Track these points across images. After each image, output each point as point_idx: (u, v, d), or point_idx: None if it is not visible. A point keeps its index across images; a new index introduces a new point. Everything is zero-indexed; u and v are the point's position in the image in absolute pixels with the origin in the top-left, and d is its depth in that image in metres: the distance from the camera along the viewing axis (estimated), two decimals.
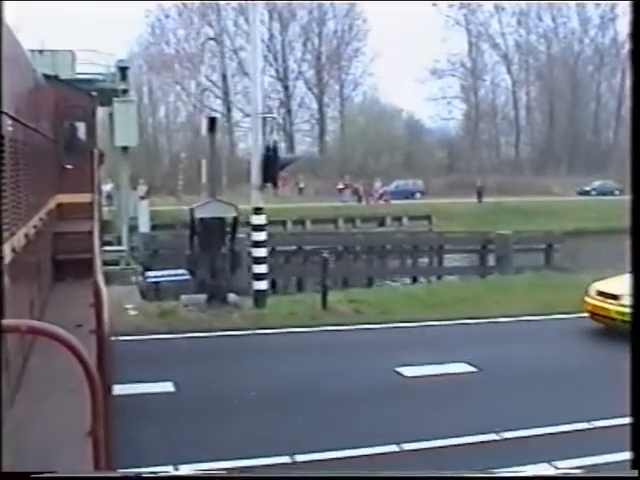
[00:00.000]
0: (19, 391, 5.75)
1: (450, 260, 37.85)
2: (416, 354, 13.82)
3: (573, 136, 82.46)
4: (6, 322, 3.23)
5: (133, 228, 35.33)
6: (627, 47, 78.82)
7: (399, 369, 12.73)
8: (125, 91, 32.18)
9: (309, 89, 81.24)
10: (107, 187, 51.33)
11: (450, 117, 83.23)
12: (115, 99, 31.56)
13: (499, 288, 20.77)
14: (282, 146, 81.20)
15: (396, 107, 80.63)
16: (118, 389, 9.92)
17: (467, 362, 13.14)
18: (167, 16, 75.21)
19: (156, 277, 20.08)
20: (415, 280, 34.41)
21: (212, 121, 17.84)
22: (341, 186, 54.54)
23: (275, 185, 17.38)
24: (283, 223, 42.26)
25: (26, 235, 7.36)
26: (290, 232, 42.10)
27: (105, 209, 44.08)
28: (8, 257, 5.84)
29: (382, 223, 44.24)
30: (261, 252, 17.65)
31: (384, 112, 79.86)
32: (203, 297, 17.71)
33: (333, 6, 79.82)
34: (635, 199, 3.95)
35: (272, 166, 17.02)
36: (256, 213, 17.61)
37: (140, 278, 31.84)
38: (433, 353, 13.90)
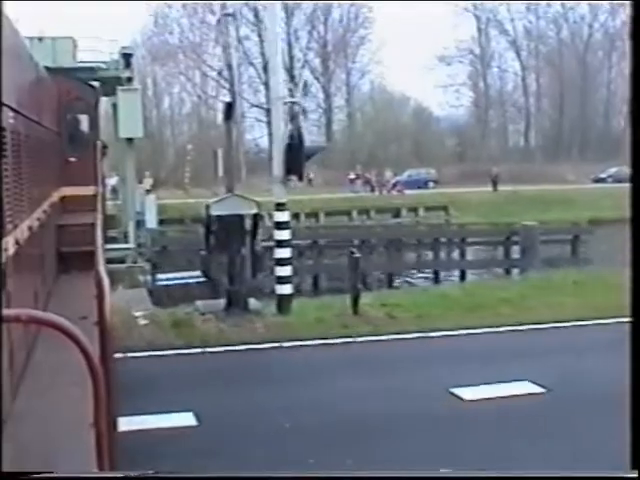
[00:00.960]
0: (23, 383, 5.74)
1: (470, 253, 35.93)
2: (468, 370, 11.93)
3: (584, 122, 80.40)
4: (7, 312, 3.20)
5: (140, 223, 33.35)
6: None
7: (455, 390, 10.84)
8: (129, 79, 30.16)
9: (315, 78, 79.13)
10: (112, 180, 49.42)
11: (459, 104, 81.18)
12: (119, 88, 29.56)
13: (542, 287, 18.81)
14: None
15: (404, 95, 78.63)
16: (128, 423, 8.02)
17: (531, 381, 11.24)
18: (170, 6, 73.02)
19: (168, 280, 18.16)
20: (437, 274, 32.52)
21: (229, 107, 15.88)
22: (352, 176, 52.51)
23: (300, 178, 15.45)
24: (296, 216, 40.22)
25: (30, 227, 7.40)
26: (304, 226, 40.16)
27: (110, 203, 42.17)
28: (11, 249, 5.89)
29: (397, 214, 42.25)
30: (285, 252, 15.71)
31: (392, 100, 77.79)
32: (221, 303, 15.79)
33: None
34: (635, 191, 3.71)
35: (297, 156, 15.06)
36: (279, 209, 15.67)
37: (149, 277, 30.03)
38: (487, 368, 12.01)
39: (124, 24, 66.40)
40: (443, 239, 33.28)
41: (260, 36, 75.96)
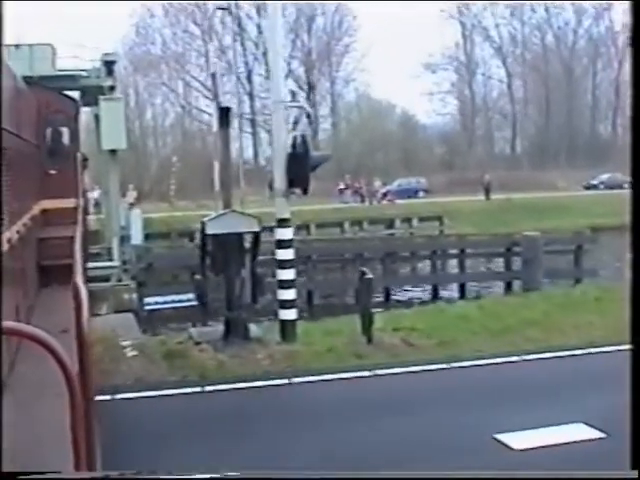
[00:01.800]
0: (4, 396, 5.78)
1: (467, 265, 34.13)
2: (510, 409, 10.27)
3: (570, 129, 79.18)
4: None
5: (124, 238, 31.41)
6: (622, 37, 75.76)
7: (500, 437, 9.16)
8: (112, 88, 28.28)
9: (299, 87, 77.45)
10: (95, 194, 47.47)
11: (446, 112, 79.73)
12: (101, 97, 27.68)
13: (564, 305, 17.19)
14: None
15: (390, 103, 77.01)
16: None
17: (585, 423, 9.58)
18: (152, 15, 71.20)
19: (157, 303, 16.34)
20: (436, 288, 30.83)
21: (225, 112, 14.10)
22: (342, 186, 50.77)
23: (305, 191, 13.69)
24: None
25: (9, 240, 7.45)
26: (296, 239, 38.41)
27: (93, 217, 40.36)
28: None
29: (391, 225, 40.50)
30: (288, 274, 13.97)
31: (378, 108, 76.24)
32: (218, 331, 14.03)
33: (322, 3, 76.15)
34: (635, 196, 3.67)
35: (301, 166, 13.35)
36: (281, 225, 13.93)
37: (134, 296, 28.17)
38: (531, 407, 10.34)
39: (104, 34, 64.59)
40: (441, 251, 31.52)
41: (243, 45, 74.38)
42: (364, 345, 13.78)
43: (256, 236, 13.59)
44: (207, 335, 13.94)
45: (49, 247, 12.31)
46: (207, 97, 73.60)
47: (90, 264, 25.34)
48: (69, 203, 14.67)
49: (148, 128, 71.22)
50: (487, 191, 51.29)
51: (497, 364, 12.68)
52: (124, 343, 14.62)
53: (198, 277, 13.83)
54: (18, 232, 8.50)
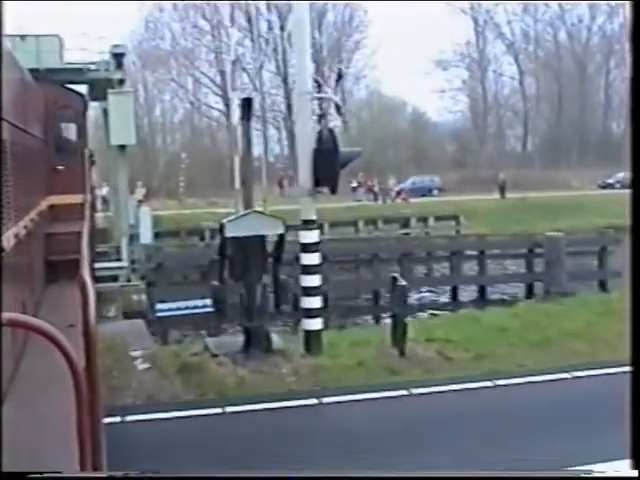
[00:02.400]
0: (11, 390, 5.79)
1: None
2: (583, 436, 8.99)
3: (583, 127, 77.73)
4: None
5: (133, 237, 30.21)
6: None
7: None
8: (121, 81, 27.02)
9: None
10: (103, 191, 46.28)
11: (457, 110, 78.21)
12: (110, 91, 26.42)
13: (604, 313, 15.91)
14: (285, 145, 76.54)
15: (401, 100, 75.56)
16: None
17: None
18: (161, 10, 69.83)
19: (170, 310, 15.08)
20: (455, 291, 29.58)
21: (248, 103, 12.85)
22: (355, 184, 49.40)
23: (334, 190, 12.45)
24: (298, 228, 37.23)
25: (16, 235, 7.44)
26: None
27: (101, 215, 39.19)
28: None
29: (406, 224, 39.16)
30: (314, 280, 12.75)
31: (388, 106, 74.88)
32: (237, 342, 12.80)
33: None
34: (635, 196, 3.59)
35: (329, 163, 12.11)
36: (307, 227, 12.71)
37: (143, 297, 27.00)
38: (604, 433, 9.04)
39: (113, 29, 63.34)
40: (459, 252, 30.16)
41: (253, 41, 73.13)
42: (396, 358, 12.57)
43: (280, 239, 12.35)
44: (225, 346, 12.72)
45: (56, 242, 12.28)
46: (216, 93, 72.53)
47: (98, 264, 24.20)
48: (77, 199, 14.66)
49: (157, 124, 69.99)
50: (502, 190, 49.93)
51: (547, 382, 11.45)
52: (134, 353, 13.43)
53: (215, 283, 12.57)
54: (25, 227, 8.53)
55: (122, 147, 27.61)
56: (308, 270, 12.66)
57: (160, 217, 37.59)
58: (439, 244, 31.08)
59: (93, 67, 26.90)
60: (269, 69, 75.00)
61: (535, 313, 16.15)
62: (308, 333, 12.80)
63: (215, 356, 12.31)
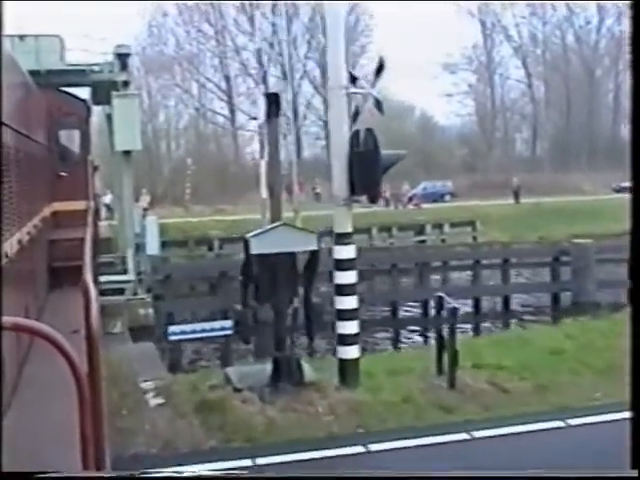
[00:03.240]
0: (16, 394, 5.89)
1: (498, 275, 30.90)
2: None
3: (592, 130, 76.02)
4: None
5: (139, 247, 28.48)
6: None
7: None
8: (126, 84, 25.30)
9: (315, 88, 74.67)
10: (106, 198, 44.61)
11: (465, 113, 76.48)
12: (114, 93, 24.72)
13: None
14: (291, 149, 74.84)
15: (408, 104, 73.86)
16: None
17: None
18: (165, 14, 68.22)
19: (184, 333, 13.31)
20: (477, 302, 27.83)
21: (275, 99, 11.15)
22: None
23: (374, 199, 10.78)
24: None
25: (20, 241, 7.49)
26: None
27: (105, 223, 37.49)
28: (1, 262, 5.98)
29: (421, 231, 37.38)
30: (350, 301, 11.05)
31: (395, 110, 73.18)
32: (263, 371, 11.07)
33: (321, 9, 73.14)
34: (635, 199, 3.37)
35: (369, 167, 10.43)
36: (341, 242, 11.01)
37: (150, 311, 25.31)
38: None
39: (115, 35, 61.54)
40: (475, 260, 28.37)
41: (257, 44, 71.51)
42: (446, 391, 10.87)
43: (313, 256, 10.63)
44: (249, 378, 11.01)
45: (60, 249, 12.23)
46: (221, 99, 70.91)
47: (103, 277, 22.54)
48: (80, 205, 14.65)
49: (161, 131, 68.28)
50: (516, 195, 48.24)
51: (621, 421, 9.71)
52: (145, 385, 11.76)
53: (238, 307, 10.84)
54: (29, 234, 8.55)
55: (127, 153, 25.88)
56: (343, 290, 10.96)
57: (166, 225, 35.88)
58: (460, 252, 29.26)
59: (96, 68, 25.19)
60: (274, 74, 73.43)
61: (589, 332, 14.41)
62: (343, 362, 11.11)
63: (238, 390, 10.61)
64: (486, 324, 25.78)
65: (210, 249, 34.18)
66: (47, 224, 12.09)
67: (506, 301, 28.16)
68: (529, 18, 76.17)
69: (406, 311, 27.80)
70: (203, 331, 13.63)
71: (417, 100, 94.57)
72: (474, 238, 38.67)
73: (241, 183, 58.91)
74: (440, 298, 11.60)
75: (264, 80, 72.63)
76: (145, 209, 39.81)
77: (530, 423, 9.57)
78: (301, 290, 10.72)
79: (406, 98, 74.28)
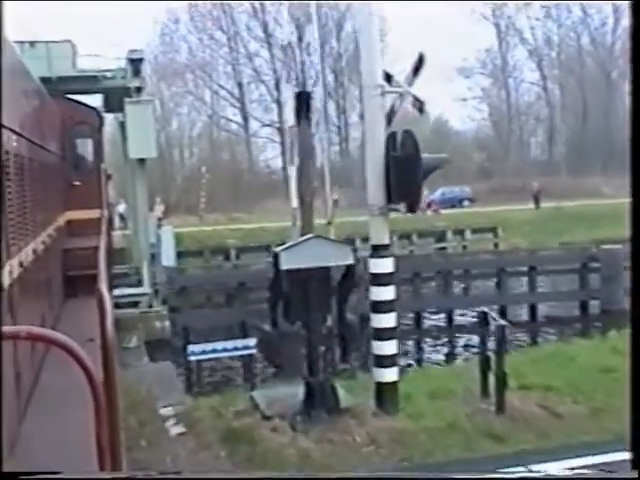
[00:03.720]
0: (31, 403, 5.90)
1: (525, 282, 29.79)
2: None
3: (608, 133, 74.76)
4: (6, 329, 3.15)
5: (154, 257, 27.59)
6: None
7: None
8: (139, 90, 24.45)
9: (328, 94, 73.70)
10: (120, 208, 43.83)
11: (480, 117, 75.40)
12: (127, 100, 23.88)
13: None
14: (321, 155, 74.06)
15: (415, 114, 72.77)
16: None
17: None
18: (177, 21, 67.48)
19: (205, 352, 12.35)
20: (503, 311, 26.78)
21: (306, 98, 10.23)
22: None
23: (413, 208, 9.82)
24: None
25: (34, 251, 7.51)
26: None
27: (119, 233, 36.68)
28: (16, 272, 5.98)
29: (442, 238, 36.41)
30: (388, 320, 10.09)
31: (410, 114, 72.13)
32: (293, 396, 10.11)
33: (349, 4, 72.22)
34: (635, 203, 3.53)
35: (408, 173, 9.48)
36: (378, 254, 10.07)
37: (166, 324, 24.41)
38: None
39: (127, 41, 60.91)
40: (500, 268, 27.28)
41: (271, 52, 70.76)
42: (495, 416, 9.89)
43: (349, 271, 9.68)
44: (278, 403, 10.06)
45: (75, 258, 12.29)
46: (234, 105, 70.11)
47: (117, 291, 21.67)
48: (94, 214, 14.47)
49: (174, 139, 67.50)
50: (537, 199, 47.16)
51: None
52: (165, 411, 10.83)
53: (267, 328, 9.88)
54: (43, 243, 8.60)
55: (141, 161, 25.03)
56: (381, 308, 10.00)
57: (180, 234, 35.05)
58: (484, 260, 28.16)
59: (108, 75, 24.35)
60: (288, 80, 72.62)
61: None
62: (381, 386, 10.14)
63: (267, 418, 9.65)
64: (517, 335, 24.75)
65: (226, 259, 33.31)
66: (61, 233, 12.15)
67: (533, 310, 27.15)
68: (544, 20, 75.13)
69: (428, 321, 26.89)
70: (225, 350, 12.73)
71: (431, 104, 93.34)
72: (495, 245, 37.67)
73: (255, 191, 58.07)
74: (485, 315, 10.62)
75: (277, 87, 72.08)
76: (159, 218, 38.98)
77: (593, 455, 8.58)
78: (335, 307, 9.75)
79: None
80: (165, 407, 10.97)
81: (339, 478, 3.24)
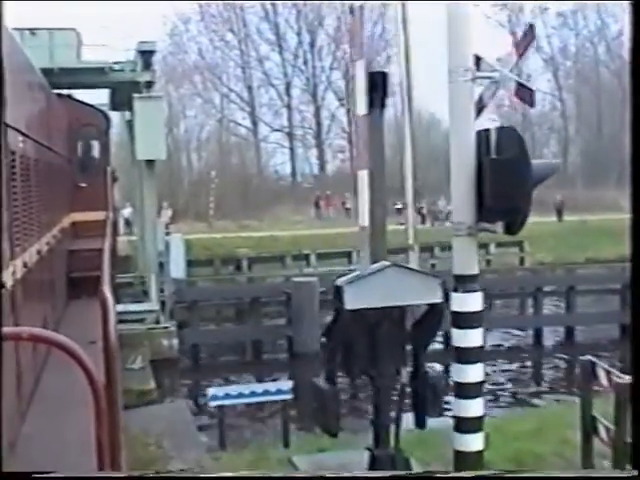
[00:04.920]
0: (32, 404, 5.83)
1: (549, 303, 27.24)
2: None
3: (624, 145, 72.26)
4: (7, 330, 3.08)
5: (161, 266, 25.11)
6: None
7: None
8: (149, 85, 22.06)
9: (339, 100, 71.41)
10: (125, 212, 41.44)
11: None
12: (136, 96, 21.48)
13: None
14: (313, 162, 71.59)
15: (434, 116, 70.45)
16: None
17: None
18: (187, 21, 65.08)
19: (228, 397, 9.85)
20: (539, 334, 24.40)
21: (382, 80, 7.83)
22: (400, 206, 44.26)
23: (514, 229, 7.45)
24: (348, 255, 32.04)
25: (39, 251, 7.43)
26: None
27: (124, 239, 34.30)
28: (20, 273, 5.94)
29: None
30: (474, 373, 7.65)
31: (421, 122, 69.74)
32: (346, 467, 7.67)
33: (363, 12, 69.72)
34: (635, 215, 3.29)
35: (510, 183, 7.08)
36: (464, 288, 7.64)
37: (174, 342, 21.99)
38: None
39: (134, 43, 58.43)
40: (536, 286, 24.75)
41: (281, 55, 68.45)
42: None
43: (434, 310, 7.25)
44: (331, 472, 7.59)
45: (79, 259, 12.22)
46: (243, 109, 67.75)
47: (120, 307, 19.31)
48: (100, 216, 14.32)
49: (181, 142, 65.06)
50: (559, 212, 44.73)
51: None
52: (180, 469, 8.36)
53: (320, 383, 7.42)
54: (48, 244, 8.80)
55: (150, 162, 22.54)
56: (466, 357, 7.58)
57: (189, 242, 32.58)
58: (519, 278, 25.63)
59: (116, 67, 21.93)
60: (297, 85, 70.28)
61: None
62: (462, 455, 7.70)
63: None
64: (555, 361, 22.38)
65: (238, 269, 30.90)
66: (66, 234, 12.13)
67: (569, 333, 24.77)
68: (559, 29, 72.80)
69: None
70: (253, 395, 10.30)
71: (443, 112, 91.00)
72: (521, 260, 35.23)
73: (265, 197, 55.65)
74: (593, 365, 8.19)
75: (287, 91, 69.70)
76: (167, 224, 36.66)
77: None
78: (410, 357, 7.33)
79: (432, 109, 71.00)
80: (179, 464, 8.56)
81: (339, 478, 2.96)
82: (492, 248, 34.44)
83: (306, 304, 22.22)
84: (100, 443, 3.03)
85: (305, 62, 68.59)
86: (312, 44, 68.82)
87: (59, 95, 16.44)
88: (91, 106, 18.69)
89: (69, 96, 18.76)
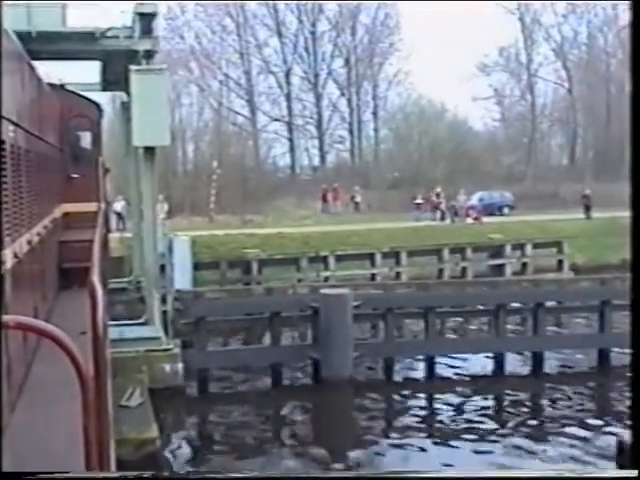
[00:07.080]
0: (22, 395, 5.84)
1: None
2: None
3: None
4: None
5: (162, 269, 20.66)
6: None
7: None
8: (150, 55, 17.69)
9: (340, 90, 67.17)
10: (117, 206, 37.07)
11: (499, 118, 68.88)
12: (134, 68, 17.10)
13: None
14: (314, 154, 67.17)
15: (438, 108, 66.37)
16: None
17: None
18: (183, 6, 60.52)
19: None
20: (605, 355, 20.15)
21: None
22: (419, 200, 40.06)
23: None
24: (370, 257, 27.78)
25: (29, 242, 7.48)
26: (386, 276, 27.46)
27: (116, 235, 30.01)
28: (10, 263, 5.92)
29: (498, 253, 29.69)
30: None
31: (426, 113, 65.69)
32: None
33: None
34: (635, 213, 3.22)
35: None
36: None
37: (179, 367, 17.69)
38: None
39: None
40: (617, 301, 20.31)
41: (281, 42, 64.01)
42: None
43: None
44: None
45: (70, 250, 12.31)
46: (241, 97, 63.40)
47: (115, 332, 15.09)
48: (91, 207, 14.51)
49: (177, 132, 60.52)
50: (587, 208, 40.53)
51: None
52: None
53: None
54: (38, 234, 8.77)
55: (149, 150, 18.01)
56: None
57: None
58: (586, 290, 21.18)
59: (109, 33, 17.47)
60: (297, 72, 65.95)
61: None
62: None
63: None
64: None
65: (246, 272, 26.59)
66: (57, 225, 12.25)
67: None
68: (570, 18, 68.72)
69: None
70: None
71: (449, 103, 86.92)
72: (560, 262, 31.04)
73: (265, 190, 51.46)
74: None
75: (287, 79, 65.29)
76: (163, 219, 32.39)
77: None
78: None
79: (437, 100, 66.93)
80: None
81: (339, 478, 3.05)
82: (529, 249, 30.21)
83: (337, 320, 18.05)
84: (87, 435, 2.90)
85: (306, 48, 64.26)
86: (313, 32, 64.46)
87: (52, 85, 15.71)
88: (84, 97, 18.15)
89: (62, 86, 17.95)
